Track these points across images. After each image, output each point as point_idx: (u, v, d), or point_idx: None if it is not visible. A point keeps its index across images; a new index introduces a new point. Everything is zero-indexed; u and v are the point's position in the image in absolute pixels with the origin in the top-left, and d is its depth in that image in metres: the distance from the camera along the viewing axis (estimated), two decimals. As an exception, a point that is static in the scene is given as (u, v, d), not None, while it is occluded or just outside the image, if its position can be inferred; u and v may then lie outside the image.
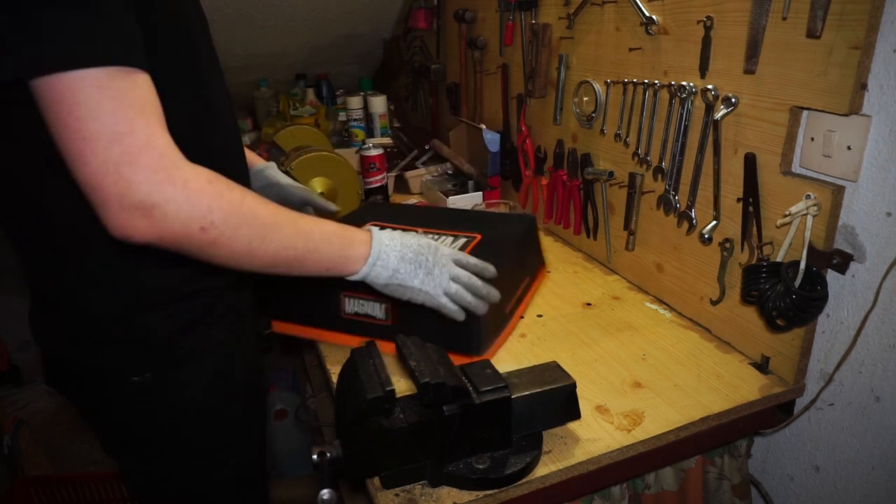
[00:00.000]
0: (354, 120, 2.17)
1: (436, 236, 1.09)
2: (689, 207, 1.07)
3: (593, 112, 1.29)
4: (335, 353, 1.06)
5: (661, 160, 1.12)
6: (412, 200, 1.78)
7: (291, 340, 1.13)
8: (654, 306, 1.20)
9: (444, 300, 0.83)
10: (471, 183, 1.73)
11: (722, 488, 1.03)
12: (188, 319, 0.82)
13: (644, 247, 1.23)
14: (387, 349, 0.87)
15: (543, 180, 1.54)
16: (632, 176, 1.19)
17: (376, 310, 1.01)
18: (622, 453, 0.83)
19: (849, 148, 0.83)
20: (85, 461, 2.14)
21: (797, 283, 0.86)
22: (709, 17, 0.96)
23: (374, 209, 1.32)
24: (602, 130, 1.27)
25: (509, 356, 1.04)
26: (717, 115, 0.97)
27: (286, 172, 1.24)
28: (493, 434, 0.78)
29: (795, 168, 0.91)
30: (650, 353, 1.04)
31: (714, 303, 1.07)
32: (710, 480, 1.03)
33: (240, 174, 0.91)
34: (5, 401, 2.37)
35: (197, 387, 0.84)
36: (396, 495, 0.77)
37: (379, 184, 1.71)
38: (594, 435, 0.85)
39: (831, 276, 0.89)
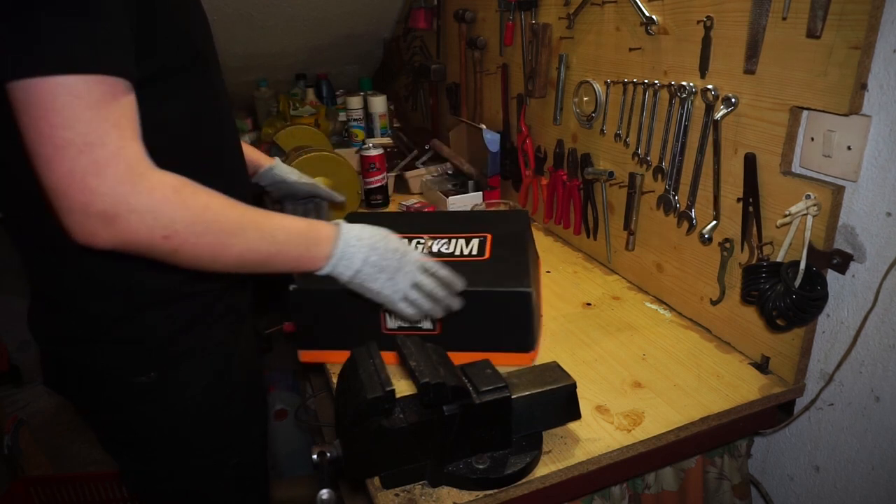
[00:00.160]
0: (354, 120, 2.17)
1: (447, 241, 1.07)
2: (689, 207, 1.07)
3: (593, 112, 1.29)
4: (335, 353, 1.05)
5: (661, 160, 1.12)
6: (412, 200, 1.78)
7: (291, 340, 1.13)
8: (654, 306, 1.20)
9: (402, 305, 0.84)
10: (471, 183, 1.73)
11: (722, 488, 1.03)
12: (188, 319, 0.82)
13: (644, 247, 1.23)
14: None
15: (543, 180, 1.54)
16: (632, 176, 1.19)
17: (423, 321, 0.97)
18: (622, 453, 0.83)
19: (849, 148, 0.83)
20: (85, 461, 2.14)
21: (797, 283, 0.86)
22: (709, 17, 0.96)
23: (363, 220, 1.30)
24: (602, 130, 1.27)
25: (509, 356, 1.04)
26: (717, 115, 0.97)
27: None
28: (493, 434, 0.78)
29: (795, 168, 0.91)
30: (650, 353, 1.04)
31: (714, 303, 1.07)
32: (710, 480, 1.03)
33: (238, 173, 0.91)
34: (5, 401, 2.37)
35: (197, 387, 0.85)
36: (396, 495, 0.77)
37: (379, 184, 1.71)
38: (594, 435, 0.85)
39: (831, 276, 0.89)
